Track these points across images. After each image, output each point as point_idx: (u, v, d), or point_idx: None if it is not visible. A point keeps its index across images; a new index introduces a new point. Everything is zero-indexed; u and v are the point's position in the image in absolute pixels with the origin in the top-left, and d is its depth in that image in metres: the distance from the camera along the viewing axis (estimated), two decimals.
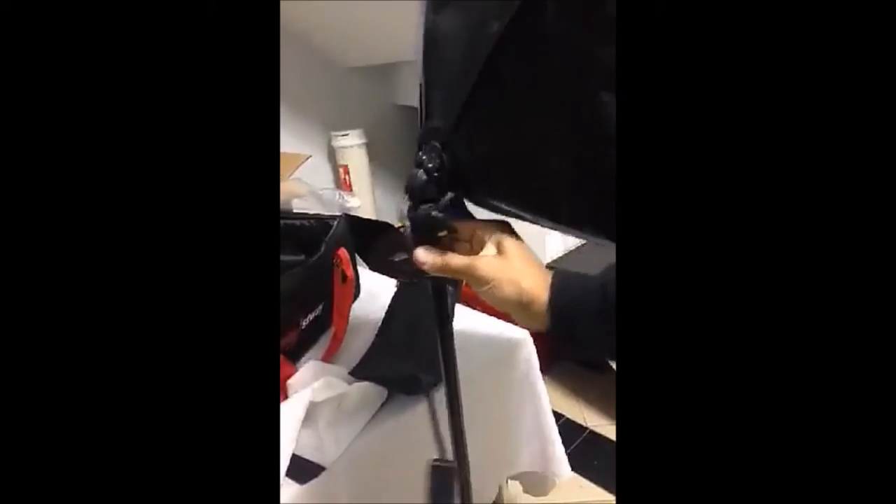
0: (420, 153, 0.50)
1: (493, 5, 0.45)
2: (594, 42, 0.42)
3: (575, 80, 0.44)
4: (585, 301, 0.51)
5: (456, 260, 0.52)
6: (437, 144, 0.50)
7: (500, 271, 0.51)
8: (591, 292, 0.51)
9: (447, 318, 0.56)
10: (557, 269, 0.54)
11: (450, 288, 0.58)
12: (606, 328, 0.49)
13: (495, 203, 0.51)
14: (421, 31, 0.50)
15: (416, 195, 0.50)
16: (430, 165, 0.49)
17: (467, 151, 0.49)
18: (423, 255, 0.52)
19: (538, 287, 0.51)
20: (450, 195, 0.52)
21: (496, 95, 0.47)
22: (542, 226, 0.51)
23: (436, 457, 0.57)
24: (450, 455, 0.58)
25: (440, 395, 0.60)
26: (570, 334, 0.51)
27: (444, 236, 0.53)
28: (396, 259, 0.50)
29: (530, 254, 0.55)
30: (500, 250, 0.53)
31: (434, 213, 0.50)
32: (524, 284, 0.51)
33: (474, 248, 0.55)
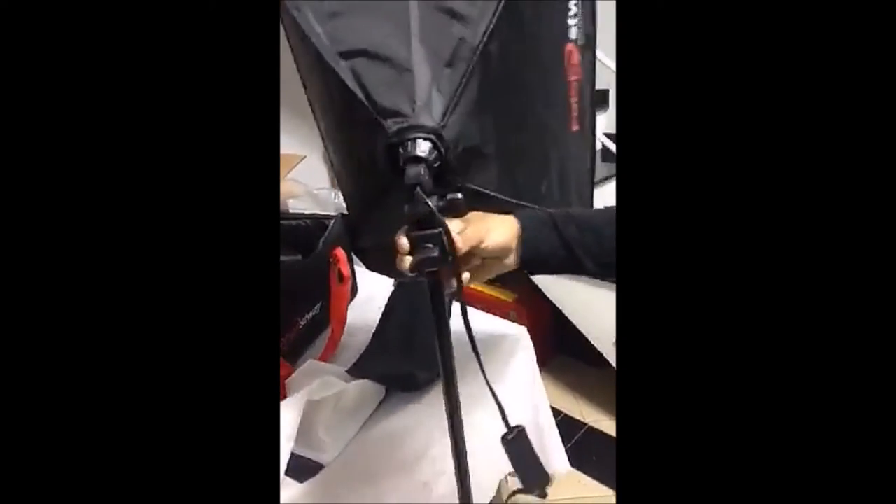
0: (409, 150, 0.50)
1: (453, 6, 0.48)
2: (560, 36, 0.45)
3: (549, 72, 0.46)
4: (542, 226, 0.59)
5: (469, 229, 0.55)
6: (433, 138, 0.51)
7: (490, 220, 0.58)
8: (545, 220, 0.59)
9: (444, 314, 0.57)
10: (517, 209, 0.60)
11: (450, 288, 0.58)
12: (559, 245, 0.58)
13: (481, 189, 0.54)
14: (318, 41, 0.53)
15: (426, 189, 0.50)
16: (430, 159, 0.50)
17: (455, 143, 0.52)
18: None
19: (513, 224, 0.59)
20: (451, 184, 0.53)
21: (483, 90, 0.50)
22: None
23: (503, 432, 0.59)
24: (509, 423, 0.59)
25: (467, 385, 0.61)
26: (537, 254, 0.59)
27: None
28: (436, 255, 0.50)
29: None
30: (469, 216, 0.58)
31: (459, 197, 0.51)
32: (507, 224, 0.58)
33: None
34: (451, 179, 0.53)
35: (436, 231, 0.50)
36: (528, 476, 0.61)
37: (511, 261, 0.59)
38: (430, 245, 0.50)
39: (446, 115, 0.51)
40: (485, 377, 0.56)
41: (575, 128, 0.66)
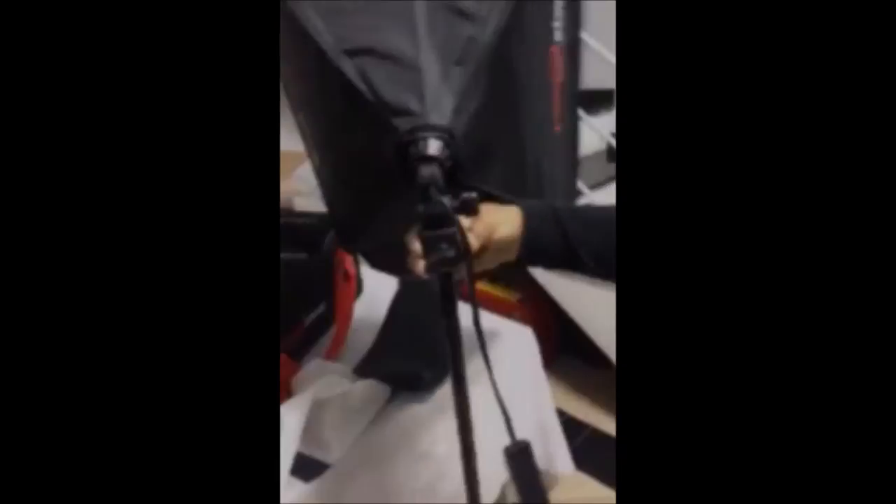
0: (420, 149, 0.50)
1: (461, 6, 0.48)
2: (546, 38, 0.46)
3: (536, 73, 0.47)
4: (545, 219, 0.57)
5: (478, 225, 0.54)
6: (445, 136, 0.50)
7: (497, 213, 0.56)
8: (547, 213, 0.57)
9: (456, 315, 0.57)
10: (520, 201, 0.58)
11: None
12: (559, 239, 0.57)
13: (484, 188, 0.54)
14: (322, 38, 0.53)
15: (440, 189, 0.49)
16: (442, 158, 0.50)
17: (465, 141, 0.52)
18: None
19: (518, 216, 0.57)
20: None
21: (490, 89, 0.50)
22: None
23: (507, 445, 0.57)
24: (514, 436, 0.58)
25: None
26: (536, 246, 0.57)
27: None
28: (452, 255, 0.49)
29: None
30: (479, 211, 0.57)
31: (474, 196, 0.51)
32: (512, 217, 0.57)
33: None
34: (461, 178, 0.53)
35: (451, 231, 0.49)
36: (527, 495, 0.57)
37: (512, 254, 0.58)
38: (445, 245, 0.49)
39: (456, 114, 0.51)
40: (494, 387, 0.54)
41: (557, 128, 0.67)
